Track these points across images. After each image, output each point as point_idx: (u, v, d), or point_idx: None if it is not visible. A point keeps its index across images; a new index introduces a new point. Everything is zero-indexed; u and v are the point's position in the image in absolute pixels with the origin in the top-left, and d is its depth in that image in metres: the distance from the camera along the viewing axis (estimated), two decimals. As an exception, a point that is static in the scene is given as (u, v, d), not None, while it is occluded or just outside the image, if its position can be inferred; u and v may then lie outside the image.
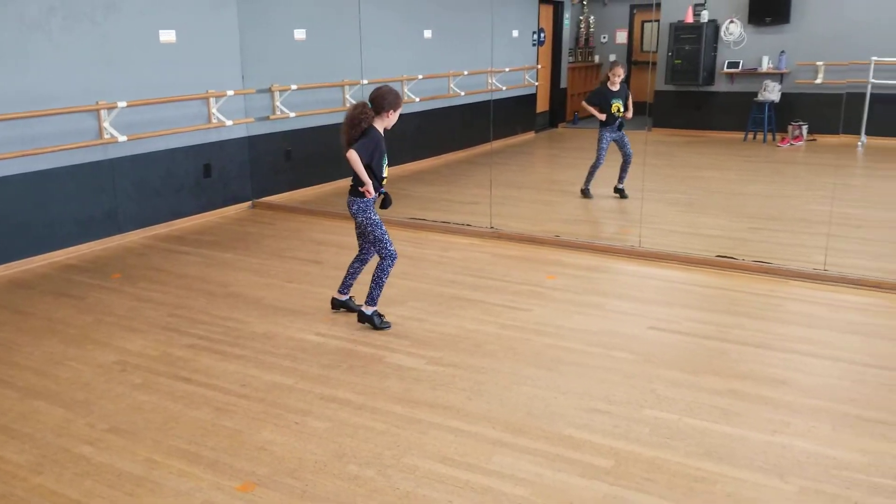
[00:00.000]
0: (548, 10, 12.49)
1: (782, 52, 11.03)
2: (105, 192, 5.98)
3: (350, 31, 7.49)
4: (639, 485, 2.78)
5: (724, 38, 11.48)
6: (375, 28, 8.19)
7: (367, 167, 4.09)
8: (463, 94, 9.76)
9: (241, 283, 5.09)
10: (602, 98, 7.24)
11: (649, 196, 7.05)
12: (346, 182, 7.92)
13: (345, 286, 4.50)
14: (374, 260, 4.39)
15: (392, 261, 4.25)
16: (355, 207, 4.21)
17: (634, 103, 7.66)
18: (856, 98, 10.00)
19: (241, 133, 7.09)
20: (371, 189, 4.10)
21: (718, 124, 10.33)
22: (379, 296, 4.28)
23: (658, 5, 12.09)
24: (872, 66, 10.01)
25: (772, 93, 10.82)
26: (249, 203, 7.29)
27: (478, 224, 6.40)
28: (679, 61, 11.51)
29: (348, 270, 4.47)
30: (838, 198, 6.84)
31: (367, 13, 7.80)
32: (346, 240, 6.15)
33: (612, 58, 14.41)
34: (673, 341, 4.11)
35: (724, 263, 5.35)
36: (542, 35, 12.26)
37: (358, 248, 4.44)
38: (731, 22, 11.37)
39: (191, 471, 2.90)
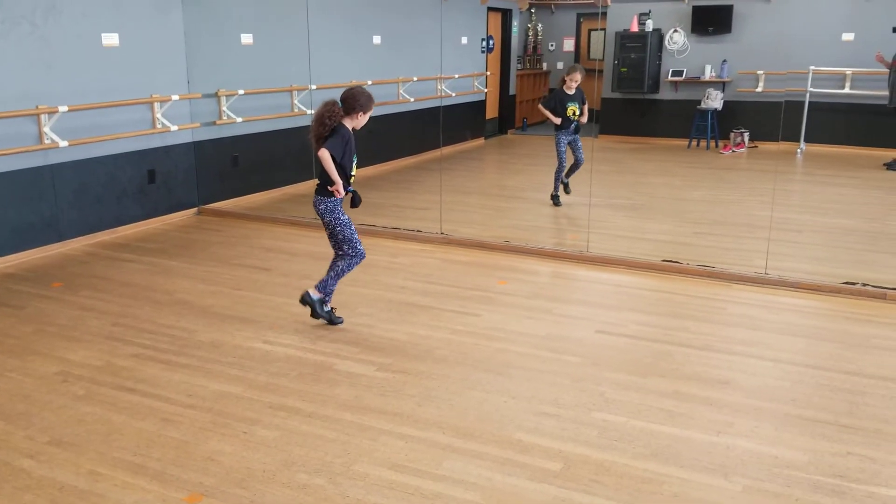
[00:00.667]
0: (496, 18, 12.60)
1: (724, 61, 11.34)
2: (45, 198, 5.82)
3: (298, 37, 7.45)
4: (587, 487, 2.81)
5: (668, 47, 11.74)
6: (324, 33, 8.16)
7: (338, 165, 4.04)
8: (412, 100, 9.77)
9: (187, 291, 5.00)
10: (558, 101, 7.25)
11: (597, 201, 7.16)
12: (295, 188, 8.00)
13: (322, 284, 4.33)
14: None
15: (360, 259, 4.24)
16: (322, 207, 4.15)
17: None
18: (794, 106, 10.32)
19: (186, 138, 6.98)
20: (341, 189, 4.06)
21: (663, 131, 10.56)
22: (333, 289, 4.25)
23: (604, 14, 12.30)
24: (811, 75, 10.37)
25: (714, 101, 11.10)
26: (195, 209, 7.18)
27: (428, 230, 6.41)
28: (625, 69, 11.72)
29: (328, 271, 4.34)
30: (779, 203, 7.04)
31: (316, 18, 7.77)
32: (295, 246, 6.11)
33: (560, 65, 14.61)
34: (620, 344, 4.17)
35: (669, 268, 5.45)
36: (491, 42, 12.35)
37: (333, 252, 4.33)
38: (675, 31, 11.64)
39: (136, 483, 2.84)
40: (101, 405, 3.44)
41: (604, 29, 12.47)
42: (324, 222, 4.22)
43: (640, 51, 11.60)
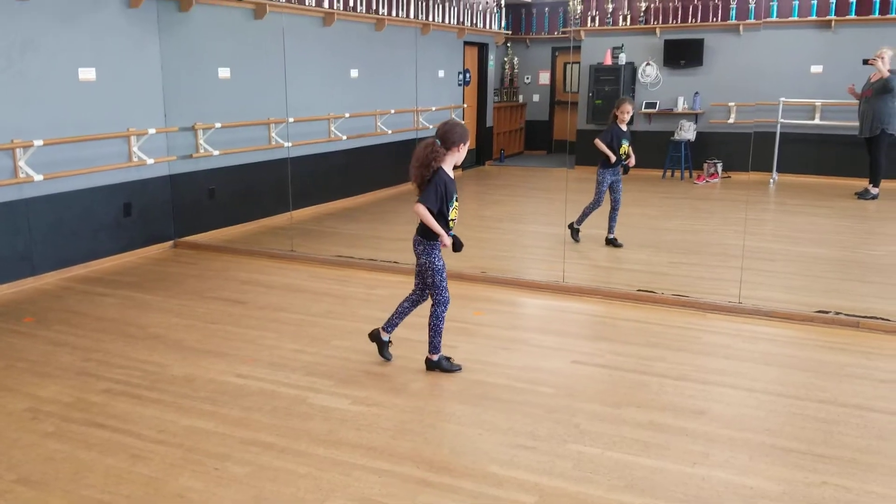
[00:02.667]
0: (473, 52, 12.75)
1: (696, 93, 11.53)
2: (19, 232, 5.76)
3: (276, 70, 7.49)
4: (563, 520, 2.80)
5: (642, 80, 11.93)
6: (302, 67, 8.21)
7: (437, 214, 3.95)
8: (390, 132, 9.83)
9: (161, 325, 4.95)
10: (614, 137, 6.83)
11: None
12: (273, 220, 7.98)
13: (390, 324, 4.30)
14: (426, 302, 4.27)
15: (446, 306, 4.13)
16: (421, 248, 4.08)
17: (559, 142, 7.77)
18: (766, 137, 10.50)
19: (162, 171, 6.97)
20: (446, 239, 3.98)
21: (638, 162, 10.61)
22: (440, 342, 4.17)
23: (578, 48, 12.49)
24: (781, 106, 10.56)
25: (687, 132, 11.26)
26: (171, 242, 7.14)
27: (405, 261, 6.41)
28: (599, 102, 11.87)
29: (397, 309, 4.27)
30: (752, 232, 7.12)
31: (293, 52, 7.83)
32: (272, 279, 6.08)
33: (536, 97, 14.80)
34: (596, 375, 4.17)
35: (645, 297, 5.48)
36: (468, 75, 12.48)
37: (413, 287, 4.26)
38: (648, 64, 11.84)
39: (103, 522, 2.78)
40: (71, 442, 3.38)
41: (578, 62, 12.66)
42: (418, 262, 4.14)
43: (613, 83, 11.77)
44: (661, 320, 5.09)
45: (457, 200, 4.06)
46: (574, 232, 7.19)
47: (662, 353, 4.47)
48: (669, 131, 11.55)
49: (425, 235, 4.04)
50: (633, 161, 6.97)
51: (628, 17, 11.97)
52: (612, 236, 7.08)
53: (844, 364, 4.34)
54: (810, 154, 10.86)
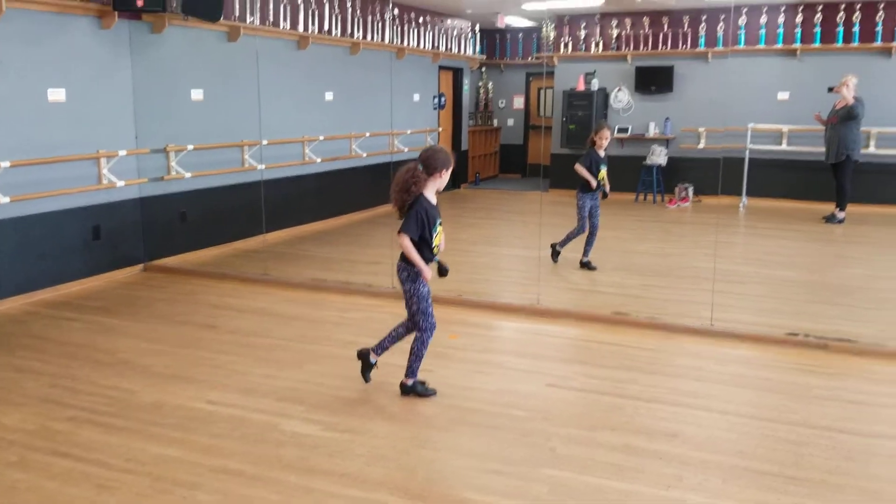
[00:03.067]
0: (448, 76, 12.83)
1: (667, 118, 11.69)
2: (-17, 255, 5.66)
3: (250, 92, 7.49)
4: (537, 546, 2.77)
5: (614, 106, 12.08)
6: (276, 89, 8.20)
7: (418, 243, 3.91)
8: (365, 155, 9.84)
9: (129, 350, 4.87)
10: (593, 162, 6.86)
11: (548, 254, 7.23)
12: (245, 243, 7.93)
13: (381, 347, 4.22)
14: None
15: (431, 332, 4.06)
16: (405, 275, 3.99)
17: (532, 165, 7.82)
18: (735, 162, 10.65)
19: (133, 194, 6.89)
20: (427, 273, 3.91)
21: (611, 186, 10.76)
22: (419, 367, 4.11)
23: (551, 73, 12.63)
24: (749, 132, 10.74)
25: (659, 157, 11.40)
26: (141, 266, 7.05)
27: (379, 285, 6.39)
28: (573, 126, 12.00)
29: (391, 333, 4.20)
30: (723, 255, 7.20)
31: (268, 75, 7.83)
32: (243, 303, 6.02)
33: (511, 122, 14.90)
34: (570, 398, 4.17)
35: (618, 320, 5.51)
36: (443, 99, 12.55)
37: (407, 314, 4.16)
38: (620, 90, 11.99)
39: (67, 554, 2.71)
40: (34, 471, 3.30)
41: (551, 87, 12.78)
42: (403, 289, 4.06)
43: (586, 108, 11.91)
44: (635, 343, 5.10)
45: (440, 225, 4.03)
46: (555, 253, 7.26)
47: (636, 376, 4.48)
48: (641, 156, 11.68)
49: (409, 262, 3.98)
50: (608, 187, 7.06)
51: (600, 43, 12.13)
52: (586, 259, 7.12)
53: (814, 386, 4.38)
54: (778, 178, 11.04)
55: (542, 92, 14.43)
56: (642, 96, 11.90)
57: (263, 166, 7.95)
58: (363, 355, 4.25)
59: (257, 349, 4.91)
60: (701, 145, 11.31)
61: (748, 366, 4.74)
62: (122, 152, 6.60)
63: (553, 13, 12.31)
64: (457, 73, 13.06)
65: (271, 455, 3.45)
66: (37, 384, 4.29)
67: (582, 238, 7.12)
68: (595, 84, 11.94)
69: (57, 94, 6.08)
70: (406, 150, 10.82)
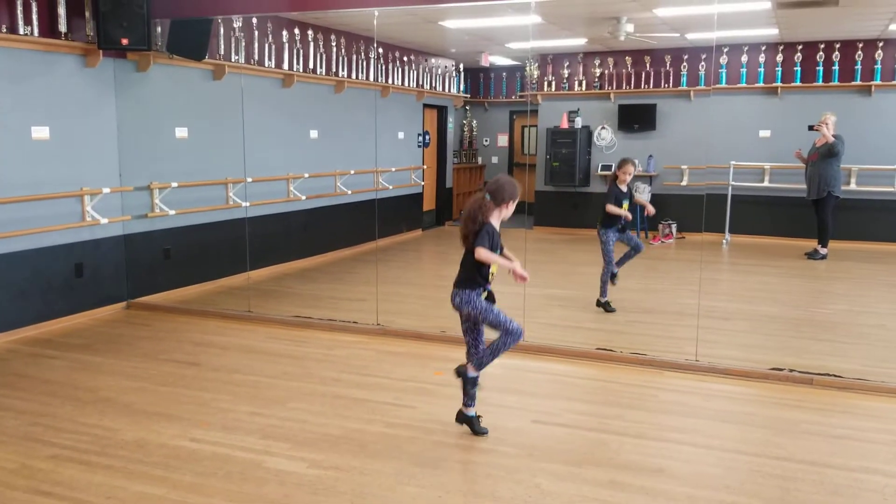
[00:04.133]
0: (432, 114, 12.95)
1: (650, 156, 11.82)
2: (-37, 293, 5.61)
3: (234, 130, 7.51)
4: (524, 584, 2.73)
5: (597, 143, 12.22)
6: (261, 127, 8.24)
7: (480, 262, 3.93)
8: (350, 192, 9.86)
9: (111, 388, 4.81)
10: (615, 197, 6.87)
11: (532, 291, 7.22)
12: (229, 280, 7.89)
13: (469, 397, 4.13)
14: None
15: (517, 336, 3.99)
16: (458, 300, 4.02)
17: (518, 203, 7.82)
18: (718, 199, 10.77)
19: (117, 231, 6.87)
20: (518, 269, 3.97)
21: (595, 223, 10.85)
22: (488, 363, 4.07)
23: (535, 112, 12.78)
24: (732, 169, 10.87)
25: (642, 194, 11.49)
26: (125, 304, 6.99)
27: (364, 321, 6.37)
28: (557, 164, 12.11)
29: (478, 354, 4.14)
30: (707, 291, 7.22)
31: (252, 113, 7.87)
32: (227, 340, 5.98)
33: (495, 160, 15.02)
34: (556, 434, 4.15)
35: (603, 356, 5.51)
36: (427, 137, 12.65)
37: (466, 349, 4.17)
38: (603, 128, 12.14)
39: None
40: (11, 512, 3.24)
41: (535, 125, 12.92)
42: (462, 314, 4.07)
43: (570, 146, 12.03)
44: (620, 378, 5.10)
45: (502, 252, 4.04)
46: (605, 304, 7.00)
47: (621, 412, 4.47)
48: (625, 193, 11.77)
49: (461, 286, 4.01)
50: (629, 216, 6.99)
51: (583, 82, 12.31)
52: (615, 270, 7.03)
53: (800, 421, 4.38)
54: (761, 215, 11.16)
55: (526, 130, 14.58)
56: (625, 134, 12.05)
57: (248, 204, 7.96)
58: (462, 418, 4.16)
59: (241, 386, 4.87)
60: (684, 182, 11.43)
61: (733, 401, 4.74)
62: (106, 190, 6.59)
63: (536, 52, 12.50)
64: (441, 111, 13.18)
65: (255, 493, 3.41)
66: (17, 422, 4.23)
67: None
68: (578, 122, 12.08)
69: (41, 132, 6.08)
70: (391, 187, 10.87)
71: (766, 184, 11.01)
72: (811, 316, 6.94)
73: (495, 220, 4.00)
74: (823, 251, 9.79)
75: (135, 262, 7.06)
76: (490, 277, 4.04)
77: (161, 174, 7.18)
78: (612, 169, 6.68)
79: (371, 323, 6.30)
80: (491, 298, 4.08)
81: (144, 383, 4.92)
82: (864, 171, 10.48)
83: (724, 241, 10.86)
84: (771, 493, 3.47)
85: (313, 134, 9.40)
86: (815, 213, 9.92)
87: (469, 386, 4.10)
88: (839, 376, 5.00)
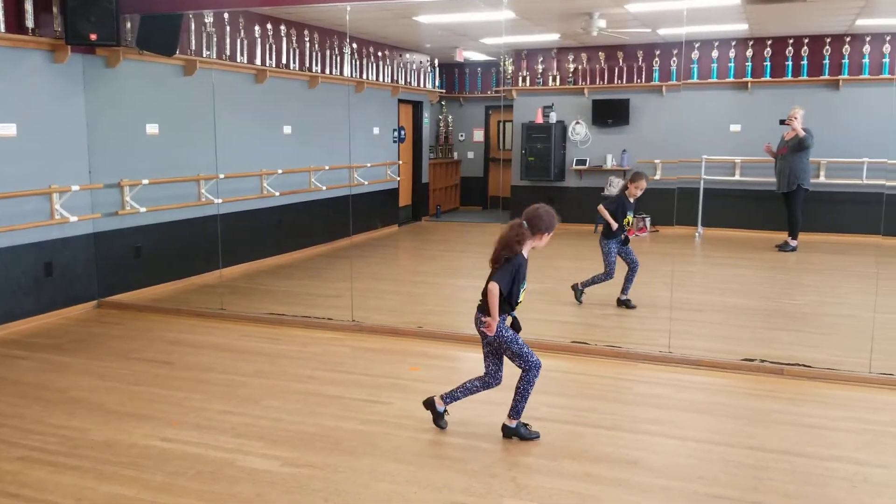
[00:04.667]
0: (407, 110, 12.92)
1: (624, 150, 11.89)
2: (-72, 293, 5.50)
3: (206, 126, 7.44)
4: (498, 578, 2.74)
5: (572, 138, 12.27)
6: (233, 123, 8.17)
7: (504, 296, 3.83)
8: (325, 188, 9.81)
9: (81, 389, 4.74)
10: (619, 207, 6.81)
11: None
12: (202, 278, 7.82)
13: (450, 396, 4.07)
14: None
15: (537, 371, 3.92)
16: (484, 325, 3.90)
17: (493, 198, 7.82)
18: (689, 192, 10.86)
19: (86, 229, 6.77)
20: (492, 327, 3.81)
21: (570, 217, 10.86)
22: (524, 408, 3.98)
23: (510, 107, 12.79)
24: (704, 163, 10.96)
25: (616, 188, 11.55)
26: (95, 302, 6.90)
27: (339, 318, 6.34)
28: (532, 158, 12.14)
29: (465, 384, 4.05)
30: (680, 284, 7.29)
31: (224, 108, 7.80)
32: (200, 338, 5.92)
33: (471, 154, 15.01)
34: (532, 427, 4.14)
35: (578, 349, 5.53)
36: (403, 133, 12.62)
37: (485, 369, 4.03)
38: (577, 123, 12.19)
39: None
40: (-22, 515, 3.18)
41: (510, 121, 12.94)
42: (486, 341, 3.97)
43: (545, 141, 12.06)
44: (594, 371, 5.12)
45: (526, 284, 3.95)
46: (578, 293, 7.04)
47: (596, 404, 4.49)
48: (600, 187, 11.84)
49: (486, 312, 3.88)
50: (633, 230, 6.88)
51: (557, 77, 12.34)
52: (625, 297, 6.94)
53: (771, 410, 4.43)
54: (732, 209, 11.27)
55: (502, 125, 14.60)
56: (599, 129, 12.11)
57: (220, 200, 7.88)
58: (430, 404, 4.11)
59: (214, 385, 4.82)
60: (657, 176, 11.49)
61: (706, 392, 4.79)
62: (76, 187, 6.50)
63: (511, 48, 12.51)
64: (416, 107, 13.15)
65: (227, 492, 3.37)
66: (-17, 425, 4.16)
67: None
68: (553, 117, 12.12)
69: (8, 129, 5.98)
70: (366, 182, 10.83)
71: (737, 177, 11.11)
72: (782, 307, 7.02)
73: (527, 249, 3.92)
74: (794, 243, 9.91)
75: (105, 261, 6.97)
76: (517, 306, 3.95)
77: (132, 171, 7.09)
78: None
79: (346, 319, 6.28)
80: (516, 326, 3.98)
81: (115, 383, 4.86)
82: (833, 164, 10.62)
83: (697, 234, 10.95)
84: (744, 482, 3.50)
85: (287, 129, 9.34)
86: (785, 205, 10.04)
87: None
88: (809, 366, 5.06)
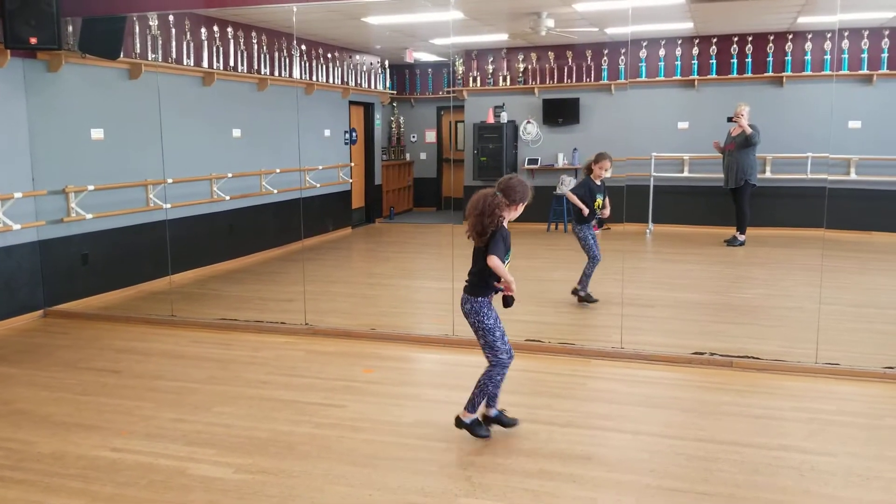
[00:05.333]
0: (359, 111, 12.86)
1: (575, 149, 12.01)
2: None
3: (152, 130, 7.29)
4: (454, 577, 2.74)
5: (523, 137, 12.35)
6: (181, 127, 8.04)
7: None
8: (276, 191, 9.71)
9: (27, 400, 4.62)
10: (587, 191, 6.77)
11: (461, 286, 7.25)
12: (151, 284, 7.68)
13: (469, 403, 3.96)
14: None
15: (503, 370, 3.89)
16: (468, 306, 3.88)
17: (446, 198, 7.84)
18: (639, 189, 11.02)
19: (31, 237, 6.60)
20: (513, 284, 3.79)
21: (523, 215, 10.89)
22: (481, 402, 3.93)
23: (461, 107, 12.83)
24: (653, 160, 11.13)
25: (568, 186, 11.65)
26: (41, 312, 6.73)
27: (292, 321, 6.28)
28: (484, 158, 12.19)
29: (476, 385, 3.94)
30: (631, 280, 7.39)
31: (171, 112, 7.67)
32: (150, 346, 5.82)
33: (423, 156, 15.02)
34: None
35: (532, 346, 5.56)
36: (354, 134, 12.56)
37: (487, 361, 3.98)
38: (528, 122, 12.28)
39: None
40: (-83, 535, 3.08)
41: (462, 121, 12.97)
42: (469, 322, 3.94)
43: (497, 141, 12.13)
44: (548, 368, 5.17)
45: (510, 257, 3.91)
46: (584, 298, 6.88)
47: (549, 401, 4.53)
48: (552, 186, 11.93)
49: (473, 293, 3.88)
50: (607, 212, 6.87)
51: (508, 77, 12.42)
52: (584, 292, 6.89)
53: (721, 402, 4.51)
54: (682, 205, 11.46)
55: (454, 125, 14.63)
56: (550, 128, 12.21)
57: (168, 205, 7.75)
58: (459, 422, 4.00)
59: (164, 393, 4.74)
60: (608, 174, 11.61)
61: (658, 386, 4.86)
62: (18, 195, 6.32)
63: (460, 48, 12.54)
64: (368, 108, 13.10)
65: (179, 502, 3.32)
66: (-78, 441, 4.02)
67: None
68: (504, 117, 12.19)
69: (-56, 135, 5.80)
70: (318, 185, 10.76)
71: (685, 174, 11.31)
72: (731, 301, 7.17)
73: (505, 220, 3.88)
74: (742, 238, 10.12)
75: (51, 269, 6.80)
76: (500, 280, 3.87)
77: (77, 177, 6.93)
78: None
79: (299, 323, 6.23)
80: (509, 301, 3.92)
81: (62, 393, 4.74)
82: (779, 160, 10.87)
83: (648, 230, 11.11)
84: (695, 474, 3.56)
85: (236, 133, 9.22)
86: (732, 201, 10.24)
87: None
88: (758, 358, 5.18)
